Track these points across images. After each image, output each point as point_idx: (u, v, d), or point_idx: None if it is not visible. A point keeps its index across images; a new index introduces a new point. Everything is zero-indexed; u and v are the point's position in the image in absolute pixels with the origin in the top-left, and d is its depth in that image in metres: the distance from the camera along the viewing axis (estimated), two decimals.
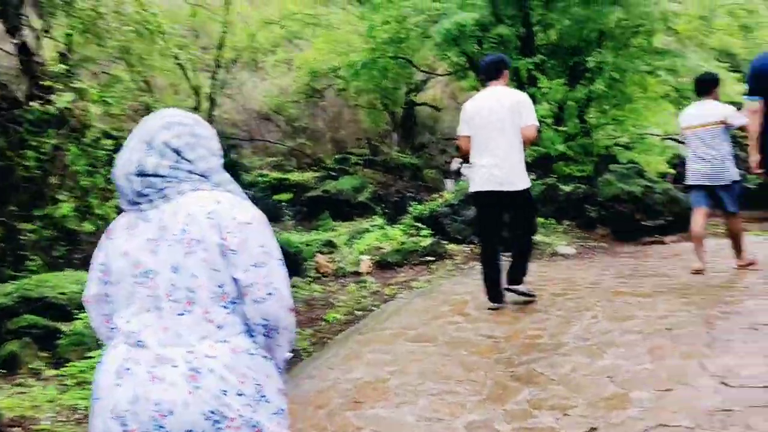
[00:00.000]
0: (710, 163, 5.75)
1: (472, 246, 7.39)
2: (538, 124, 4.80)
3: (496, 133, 4.67)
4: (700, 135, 5.81)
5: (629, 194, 9.06)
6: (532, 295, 4.96)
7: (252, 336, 1.68)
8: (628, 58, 13.30)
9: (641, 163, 17.37)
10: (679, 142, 23.88)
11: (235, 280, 1.64)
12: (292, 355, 1.93)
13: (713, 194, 5.85)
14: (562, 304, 4.80)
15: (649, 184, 9.32)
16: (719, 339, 3.65)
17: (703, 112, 5.79)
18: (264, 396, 1.63)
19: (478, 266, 6.76)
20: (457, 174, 22.80)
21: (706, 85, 5.93)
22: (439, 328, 4.37)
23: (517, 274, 4.88)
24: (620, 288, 5.29)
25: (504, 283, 4.86)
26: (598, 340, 3.85)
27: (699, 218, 5.93)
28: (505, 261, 5.01)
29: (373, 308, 5.18)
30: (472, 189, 4.88)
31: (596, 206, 9.50)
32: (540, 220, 9.58)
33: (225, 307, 1.64)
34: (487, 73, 5.02)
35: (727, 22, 12.94)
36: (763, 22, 16.12)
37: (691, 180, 6.01)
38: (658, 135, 19.94)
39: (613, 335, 3.92)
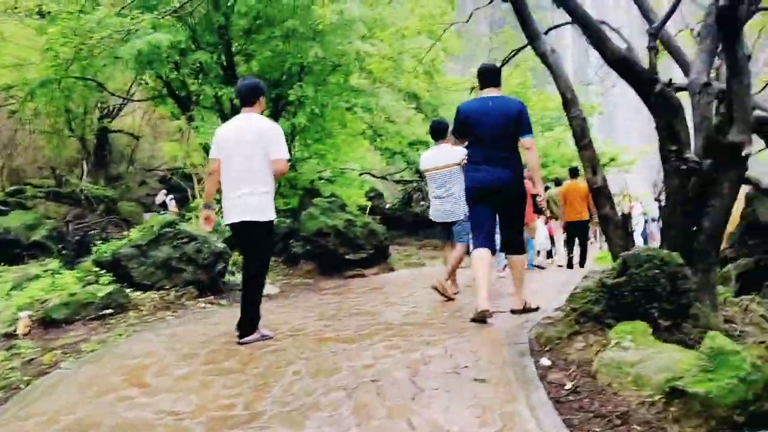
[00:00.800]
0: (447, 201, 6.32)
1: (162, 293, 6.48)
2: (288, 156, 4.72)
3: (245, 163, 4.62)
4: (438, 176, 6.35)
5: (332, 228, 8.96)
6: (270, 336, 4.78)
7: None
8: (328, 94, 13.57)
9: (343, 196, 17.97)
10: (373, 176, 25.55)
11: None
12: None
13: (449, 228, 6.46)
14: (261, 359, 4.22)
15: (350, 217, 9.36)
16: (425, 388, 3.39)
17: (440, 155, 6.34)
18: None
19: (168, 317, 5.91)
20: (163, 206, 21.26)
21: (441, 132, 6.46)
22: (106, 407, 3.44)
23: (247, 327, 4.69)
24: (325, 333, 4.91)
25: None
26: (301, 404, 3.33)
27: (448, 253, 6.51)
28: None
29: (21, 385, 4.00)
30: (225, 221, 4.81)
31: (301, 241, 9.25)
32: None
33: None
34: (242, 98, 4.84)
35: (414, 65, 13.95)
36: (442, 70, 17.96)
37: (433, 217, 6.56)
38: (355, 170, 20.98)
39: (317, 395, 3.44)
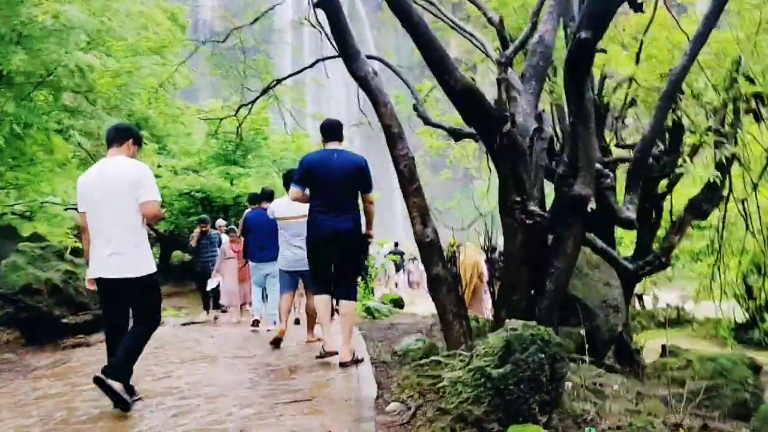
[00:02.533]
0: (300, 249, 6.14)
1: None
2: (160, 199, 4.30)
3: (113, 210, 4.18)
4: (295, 224, 6.32)
5: (46, 283, 6.81)
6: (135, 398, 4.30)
7: None
8: (34, 112, 11.06)
9: (45, 235, 15.03)
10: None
11: None
12: None
13: (297, 277, 6.64)
14: None
15: (70, 268, 7.25)
16: None
17: (294, 204, 6.00)
18: None
19: None
20: None
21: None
22: None
23: (120, 371, 4.10)
24: None
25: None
26: None
27: (288, 299, 6.76)
28: None
29: None
30: (90, 275, 4.39)
31: None
32: None
33: None
34: (108, 139, 4.43)
35: (151, 86, 12.06)
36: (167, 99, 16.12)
37: (284, 266, 6.62)
38: (58, 203, 17.92)
39: None
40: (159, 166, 14.37)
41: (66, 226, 17.50)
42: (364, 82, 4.36)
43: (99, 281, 4.29)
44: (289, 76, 8.90)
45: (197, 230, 11.55)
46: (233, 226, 11.82)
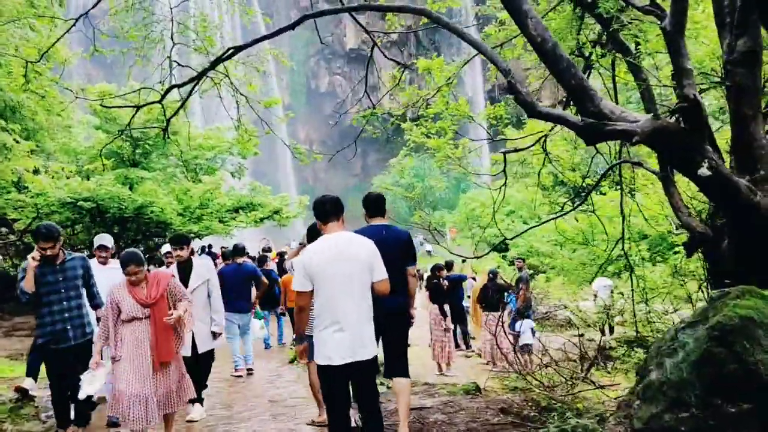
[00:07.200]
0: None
1: None
2: (387, 275, 4.28)
3: (346, 290, 4.10)
4: None
5: None
6: None
7: None
8: None
9: None
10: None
11: None
12: None
13: None
14: None
15: None
16: None
17: None
18: None
19: None
20: None
21: None
22: None
23: None
24: None
25: None
26: None
27: None
28: None
29: None
30: (321, 362, 4.11)
31: None
32: None
33: None
34: (326, 213, 4.28)
35: (29, 50, 8.53)
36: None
37: None
38: None
39: None
40: (36, 171, 10.69)
41: None
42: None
43: (329, 368, 4.04)
44: (256, 41, 5.94)
45: (32, 257, 5.33)
46: (136, 251, 5.51)
